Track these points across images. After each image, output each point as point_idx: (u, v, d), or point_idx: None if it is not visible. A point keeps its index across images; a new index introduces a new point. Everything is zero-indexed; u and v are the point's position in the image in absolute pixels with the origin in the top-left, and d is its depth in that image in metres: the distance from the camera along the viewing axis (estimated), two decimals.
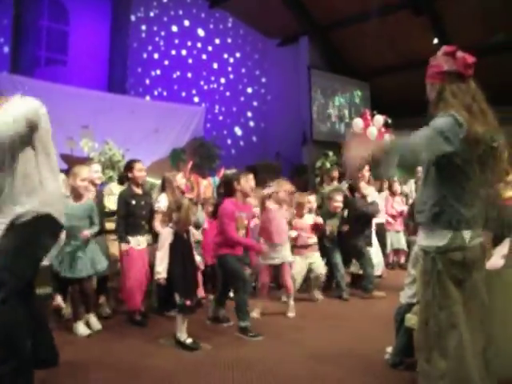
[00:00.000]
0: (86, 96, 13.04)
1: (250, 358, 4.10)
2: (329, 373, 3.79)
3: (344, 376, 3.74)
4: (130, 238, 5.23)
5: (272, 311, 5.69)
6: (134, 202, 5.26)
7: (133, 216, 5.26)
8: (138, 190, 5.37)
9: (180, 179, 5.69)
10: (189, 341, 4.38)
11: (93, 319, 4.97)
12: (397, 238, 8.65)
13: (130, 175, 5.35)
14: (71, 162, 9.87)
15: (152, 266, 5.06)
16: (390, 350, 3.96)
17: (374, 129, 11.43)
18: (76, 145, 10.93)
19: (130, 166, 5.46)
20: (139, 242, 5.29)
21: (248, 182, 5.11)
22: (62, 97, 12.46)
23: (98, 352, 4.27)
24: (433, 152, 2.49)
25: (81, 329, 4.77)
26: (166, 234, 4.55)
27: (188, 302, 4.33)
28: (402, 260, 8.73)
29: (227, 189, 5.13)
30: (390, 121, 11.79)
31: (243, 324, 4.77)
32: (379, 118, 11.62)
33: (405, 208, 8.58)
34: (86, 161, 9.37)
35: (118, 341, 4.60)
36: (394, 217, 8.53)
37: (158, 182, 6.23)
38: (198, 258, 4.99)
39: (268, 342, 4.59)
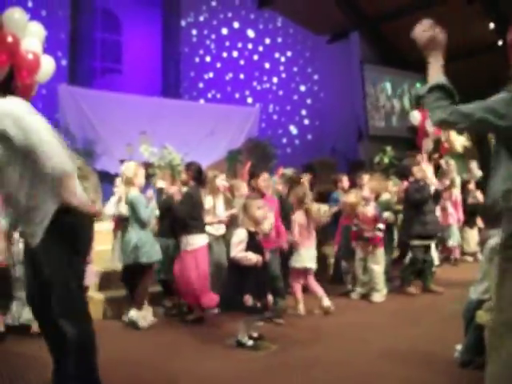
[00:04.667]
0: (142, 103, 13.26)
1: (316, 357, 3.98)
2: (395, 371, 3.63)
3: (411, 375, 3.57)
4: (187, 237, 5.20)
5: (339, 309, 5.56)
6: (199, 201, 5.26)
7: (197, 215, 5.24)
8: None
9: (220, 181, 5.73)
10: (250, 342, 4.29)
11: (150, 314, 5.17)
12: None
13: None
14: None
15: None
16: (459, 347, 3.76)
17: None
18: (134, 150, 11.08)
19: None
20: (194, 240, 5.23)
21: (265, 180, 5.32)
22: (119, 105, 12.73)
23: (158, 350, 4.26)
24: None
25: (141, 317, 4.97)
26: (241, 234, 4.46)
27: (258, 305, 4.25)
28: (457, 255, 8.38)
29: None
30: None
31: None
32: None
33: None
34: (144, 166, 9.50)
35: (181, 339, 4.58)
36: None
37: None
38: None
39: (333, 340, 4.46)
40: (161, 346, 4.44)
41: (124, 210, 5.29)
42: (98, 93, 13.15)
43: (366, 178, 6.95)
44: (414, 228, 6.23)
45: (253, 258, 4.22)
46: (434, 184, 6.69)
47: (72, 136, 11.45)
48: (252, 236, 4.35)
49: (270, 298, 4.33)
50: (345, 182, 7.23)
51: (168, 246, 5.46)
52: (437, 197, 6.55)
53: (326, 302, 5.39)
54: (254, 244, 4.34)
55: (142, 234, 5.05)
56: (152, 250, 5.05)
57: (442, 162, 8.08)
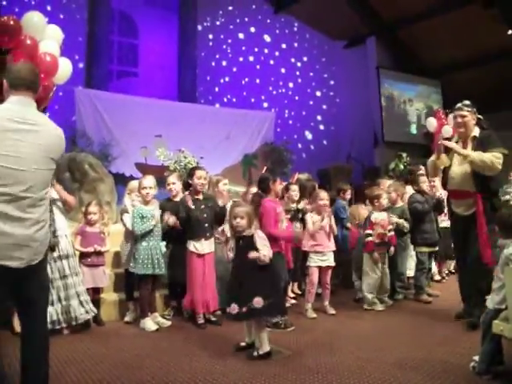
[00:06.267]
0: (158, 106, 13.32)
1: (329, 364, 3.95)
2: (409, 380, 3.58)
3: (426, 382, 3.53)
4: (193, 243, 5.25)
5: (348, 315, 5.61)
6: (193, 207, 5.24)
7: (194, 220, 5.25)
8: (199, 195, 5.37)
9: (222, 186, 5.89)
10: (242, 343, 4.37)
11: (159, 317, 5.29)
12: None
13: (190, 181, 5.44)
14: (145, 171, 10.07)
15: None
16: (475, 357, 3.70)
17: (448, 127, 11.02)
18: (150, 154, 11.13)
19: (190, 173, 5.56)
20: (203, 246, 5.28)
21: (280, 184, 5.63)
22: (135, 108, 12.80)
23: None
24: None
25: (148, 324, 5.06)
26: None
27: (233, 311, 4.19)
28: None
29: (264, 188, 5.43)
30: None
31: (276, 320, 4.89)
32: None
33: None
34: (159, 169, 9.54)
35: (193, 343, 4.57)
36: None
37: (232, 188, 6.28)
38: None
39: (347, 347, 4.40)
40: (171, 349, 4.44)
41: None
42: (114, 96, 13.23)
43: (387, 183, 7.06)
44: (415, 236, 6.37)
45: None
46: (440, 193, 6.66)
47: (88, 138, 11.53)
48: (238, 244, 4.36)
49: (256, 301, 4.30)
50: (348, 194, 7.24)
51: (176, 250, 5.51)
52: (439, 206, 6.49)
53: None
54: (237, 251, 4.36)
55: (140, 245, 5.16)
56: (147, 263, 5.12)
57: None
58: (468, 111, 4.98)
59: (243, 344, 4.39)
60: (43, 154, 2.92)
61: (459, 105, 5.07)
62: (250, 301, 4.13)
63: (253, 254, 4.20)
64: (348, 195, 7.26)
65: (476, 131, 4.98)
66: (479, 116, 5.08)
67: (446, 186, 5.23)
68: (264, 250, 4.24)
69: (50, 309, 4.66)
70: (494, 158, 4.67)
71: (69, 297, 4.89)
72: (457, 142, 5.07)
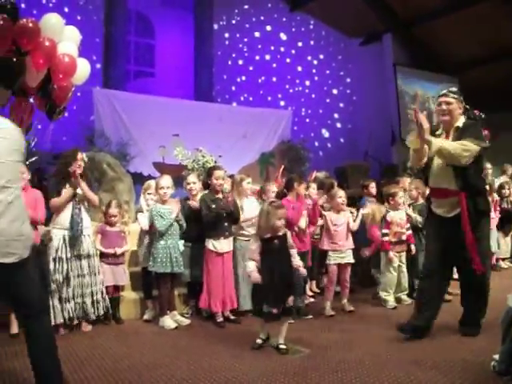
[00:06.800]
0: (175, 105, 13.36)
1: (349, 362, 3.93)
2: (429, 378, 3.55)
3: (445, 382, 3.48)
4: (212, 242, 5.28)
5: (367, 313, 5.59)
6: (213, 206, 5.26)
7: (214, 220, 5.27)
8: (218, 194, 5.38)
9: (246, 184, 5.81)
10: (258, 341, 4.37)
11: (178, 316, 5.32)
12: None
13: (209, 181, 5.48)
14: (163, 170, 10.12)
15: None
16: (496, 356, 3.65)
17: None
18: (168, 153, 11.18)
19: (209, 172, 5.60)
20: (222, 245, 5.31)
21: (303, 186, 5.85)
22: (153, 107, 12.84)
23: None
24: None
25: (167, 322, 5.10)
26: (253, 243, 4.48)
27: (274, 311, 4.24)
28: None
29: (288, 187, 5.74)
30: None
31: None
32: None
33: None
34: (177, 168, 9.58)
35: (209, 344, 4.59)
36: None
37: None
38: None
39: (367, 345, 4.38)
40: (190, 347, 4.46)
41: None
42: (131, 95, 13.30)
43: (407, 181, 7.03)
44: None
45: (249, 271, 4.33)
46: None
47: (106, 138, 11.60)
48: (267, 243, 4.35)
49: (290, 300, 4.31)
50: (372, 188, 7.13)
51: (196, 249, 5.53)
52: None
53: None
54: (268, 251, 4.34)
55: (159, 243, 5.20)
56: (165, 261, 5.15)
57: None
58: (454, 98, 4.46)
59: (260, 341, 4.40)
60: (13, 147, 3.06)
61: (444, 91, 4.55)
62: (286, 300, 4.25)
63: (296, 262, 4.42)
64: (372, 189, 7.13)
65: (461, 121, 4.45)
66: (466, 106, 4.68)
67: (427, 183, 4.69)
68: (295, 251, 4.47)
69: (66, 306, 4.84)
70: (459, 145, 4.14)
71: (84, 295, 4.97)
72: (440, 135, 4.53)
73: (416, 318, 4.54)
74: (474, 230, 4.27)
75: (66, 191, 4.93)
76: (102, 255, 5.30)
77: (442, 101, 4.48)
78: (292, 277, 4.39)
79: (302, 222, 5.67)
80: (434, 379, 3.56)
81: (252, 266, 4.31)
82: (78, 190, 4.99)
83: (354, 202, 7.19)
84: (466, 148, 4.13)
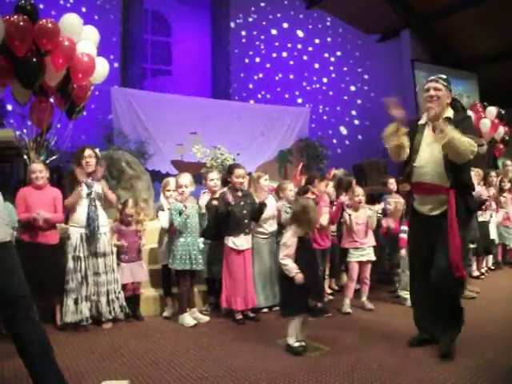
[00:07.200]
0: (193, 104, 13.39)
1: (367, 361, 3.91)
2: (450, 378, 3.51)
3: (466, 382, 3.45)
4: (231, 239, 5.29)
5: (386, 311, 5.57)
6: (233, 202, 5.26)
7: (233, 216, 5.27)
8: (237, 192, 5.38)
9: (263, 181, 5.79)
10: (297, 344, 4.23)
11: (198, 313, 5.33)
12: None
13: (228, 179, 5.51)
14: (181, 167, 10.16)
15: None
16: None
17: (486, 121, 10.82)
18: (186, 151, 11.22)
19: (229, 170, 5.59)
20: (242, 242, 5.31)
21: (324, 183, 5.92)
22: (170, 106, 12.89)
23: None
24: None
25: (187, 319, 5.10)
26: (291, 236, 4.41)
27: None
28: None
29: (310, 184, 5.76)
30: (503, 112, 11.13)
31: None
32: (492, 110, 10.97)
33: None
34: (195, 165, 9.61)
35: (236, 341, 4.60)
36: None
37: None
38: None
39: (386, 344, 4.34)
40: (210, 345, 4.47)
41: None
42: (149, 94, 13.35)
43: None
44: None
45: (293, 271, 4.19)
46: (477, 192, 6.48)
47: (125, 136, 11.67)
48: (302, 239, 4.32)
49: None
50: (392, 184, 7.05)
51: (216, 246, 5.54)
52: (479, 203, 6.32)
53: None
54: (304, 246, 4.32)
55: (178, 241, 5.20)
56: (185, 259, 5.15)
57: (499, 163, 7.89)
58: (444, 85, 4.08)
59: (301, 343, 4.26)
60: None
61: (433, 76, 4.19)
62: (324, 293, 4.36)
63: None
64: (391, 185, 7.04)
65: (450, 113, 4.10)
66: (455, 97, 4.37)
67: (410, 178, 4.26)
68: None
69: (81, 305, 4.86)
70: (467, 143, 3.75)
71: (98, 294, 4.99)
72: (424, 125, 4.26)
73: (418, 328, 4.35)
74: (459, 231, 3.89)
75: (75, 191, 4.95)
76: (119, 253, 5.34)
77: (430, 86, 4.11)
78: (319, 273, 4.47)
79: (324, 220, 5.68)
80: (453, 378, 3.52)
81: (293, 266, 4.18)
82: (95, 188, 5.02)
83: (373, 199, 7.15)
84: (473, 149, 3.78)
